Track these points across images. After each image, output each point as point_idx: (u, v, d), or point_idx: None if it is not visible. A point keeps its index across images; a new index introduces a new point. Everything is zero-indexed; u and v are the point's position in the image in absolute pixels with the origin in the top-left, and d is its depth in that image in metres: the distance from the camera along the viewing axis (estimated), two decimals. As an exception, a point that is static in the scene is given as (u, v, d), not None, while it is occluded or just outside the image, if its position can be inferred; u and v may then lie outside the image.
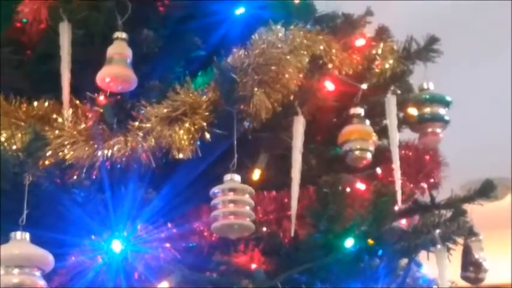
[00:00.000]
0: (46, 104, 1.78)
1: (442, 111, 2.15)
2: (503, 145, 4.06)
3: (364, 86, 1.99)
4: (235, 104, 1.68)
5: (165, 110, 1.69)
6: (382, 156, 2.01)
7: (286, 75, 1.76)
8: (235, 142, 1.66)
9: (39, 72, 1.91)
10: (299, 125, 1.77)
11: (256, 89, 1.71)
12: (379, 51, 2.08)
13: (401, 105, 2.07)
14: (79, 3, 1.83)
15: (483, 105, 3.79)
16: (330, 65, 1.94)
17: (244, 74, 1.69)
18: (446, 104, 2.16)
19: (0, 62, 1.84)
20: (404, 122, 2.14)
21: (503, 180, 4.28)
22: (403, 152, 2.05)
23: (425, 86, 2.19)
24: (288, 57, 1.78)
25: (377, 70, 2.05)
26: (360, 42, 2.10)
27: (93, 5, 1.85)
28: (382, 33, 2.19)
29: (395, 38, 2.21)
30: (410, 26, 2.24)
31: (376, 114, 2.07)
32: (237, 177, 1.64)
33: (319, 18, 2.27)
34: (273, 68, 1.75)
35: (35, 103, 1.79)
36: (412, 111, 2.13)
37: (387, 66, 2.08)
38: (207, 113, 1.68)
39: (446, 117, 2.16)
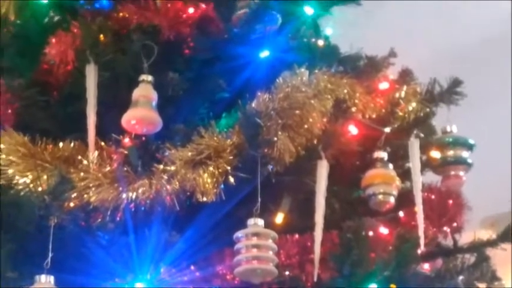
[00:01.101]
0: (71, 145, 1.80)
1: (465, 154, 2.15)
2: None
3: (388, 130, 1.98)
4: (260, 148, 1.69)
5: (190, 154, 1.70)
6: (405, 199, 2.00)
7: (310, 120, 1.77)
8: (259, 186, 1.67)
9: (64, 112, 1.93)
10: (323, 170, 1.78)
11: (280, 133, 1.72)
12: (403, 94, 2.08)
13: (425, 149, 2.07)
14: (106, 46, 1.85)
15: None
16: (353, 109, 1.94)
17: (269, 119, 1.70)
18: (470, 147, 2.15)
19: (27, 102, 1.87)
20: (427, 164, 2.14)
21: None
22: (425, 194, 2.04)
23: (448, 129, 2.19)
24: (312, 101, 1.79)
25: (400, 113, 2.05)
26: (383, 85, 2.10)
27: (120, 48, 1.87)
28: (406, 76, 2.20)
29: (418, 80, 2.22)
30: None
31: (399, 157, 2.06)
32: (261, 222, 1.65)
33: (342, 59, 2.28)
34: (297, 112, 1.76)
35: (61, 144, 1.80)
36: (435, 154, 2.12)
37: (410, 109, 2.08)
38: (231, 157, 1.69)
39: (469, 160, 2.15)
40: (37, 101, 1.90)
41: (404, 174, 2.04)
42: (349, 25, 2.39)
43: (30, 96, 1.89)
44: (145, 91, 1.79)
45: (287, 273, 1.78)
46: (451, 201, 2.08)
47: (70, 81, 1.91)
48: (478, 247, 2.05)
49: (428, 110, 2.12)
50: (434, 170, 2.17)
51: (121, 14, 1.92)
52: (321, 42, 2.23)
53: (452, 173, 2.15)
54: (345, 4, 2.23)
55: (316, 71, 1.88)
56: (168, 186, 1.67)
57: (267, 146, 1.70)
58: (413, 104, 2.09)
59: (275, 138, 1.70)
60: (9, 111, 1.88)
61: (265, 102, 1.72)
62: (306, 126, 1.77)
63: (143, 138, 1.82)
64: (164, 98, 1.84)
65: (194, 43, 1.95)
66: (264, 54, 1.96)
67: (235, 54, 1.95)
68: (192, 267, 1.68)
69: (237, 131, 1.72)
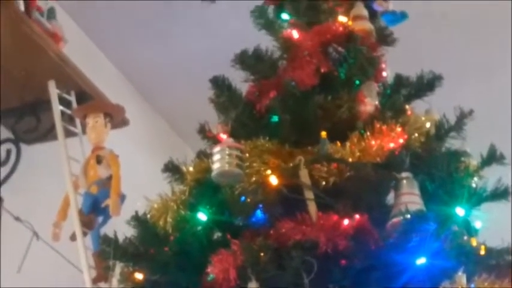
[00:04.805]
0: None
1: None
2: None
3: None
4: None
5: None
6: None
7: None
8: None
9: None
10: None
11: None
12: None
13: None
14: (266, 263, 1.90)
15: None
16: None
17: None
18: None
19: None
20: None
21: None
22: None
23: None
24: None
25: None
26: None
27: (280, 264, 1.91)
28: None
29: None
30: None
31: None
32: None
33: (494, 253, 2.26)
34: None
35: None
36: None
37: None
38: None
39: None
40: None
41: None
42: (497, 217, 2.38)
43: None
44: (307, 307, 1.82)
45: None
46: None
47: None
48: None
49: None
50: None
51: (279, 231, 1.96)
52: (474, 242, 2.22)
53: None
54: (494, 201, 2.23)
55: (476, 278, 1.87)
56: None
57: None
58: None
59: None
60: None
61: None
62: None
63: None
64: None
65: (350, 254, 1.97)
66: (420, 261, 1.96)
67: (391, 262, 1.97)
68: None
69: None
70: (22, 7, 2.76)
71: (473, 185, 2.28)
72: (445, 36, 3.77)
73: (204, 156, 2.30)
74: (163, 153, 2.76)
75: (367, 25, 2.52)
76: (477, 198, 2.19)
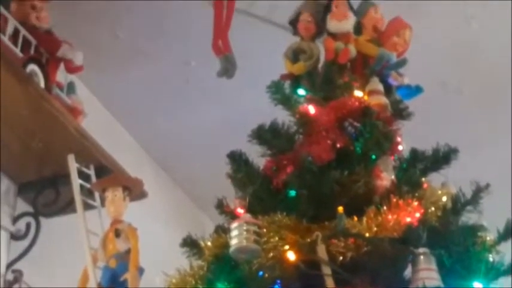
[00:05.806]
0: None
1: None
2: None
3: None
4: None
5: None
6: None
7: None
8: None
9: None
10: None
11: None
12: None
13: None
14: None
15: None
16: None
17: None
18: None
19: None
20: None
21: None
22: None
23: None
24: None
25: None
26: None
27: None
28: None
29: None
30: None
31: None
32: None
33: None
34: None
35: None
36: None
37: None
38: None
39: None
40: None
41: None
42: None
43: None
44: None
45: None
46: None
47: None
48: None
49: None
50: None
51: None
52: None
53: None
54: (511, 274, 2.22)
55: None
56: None
57: None
58: None
59: None
60: None
61: None
62: None
63: None
64: None
65: None
66: None
67: None
68: None
69: None
70: (42, 83, 2.81)
71: (491, 260, 2.28)
72: (460, 110, 3.81)
73: (222, 231, 2.32)
74: (182, 224, 2.79)
75: (383, 99, 2.55)
76: (495, 272, 2.19)
